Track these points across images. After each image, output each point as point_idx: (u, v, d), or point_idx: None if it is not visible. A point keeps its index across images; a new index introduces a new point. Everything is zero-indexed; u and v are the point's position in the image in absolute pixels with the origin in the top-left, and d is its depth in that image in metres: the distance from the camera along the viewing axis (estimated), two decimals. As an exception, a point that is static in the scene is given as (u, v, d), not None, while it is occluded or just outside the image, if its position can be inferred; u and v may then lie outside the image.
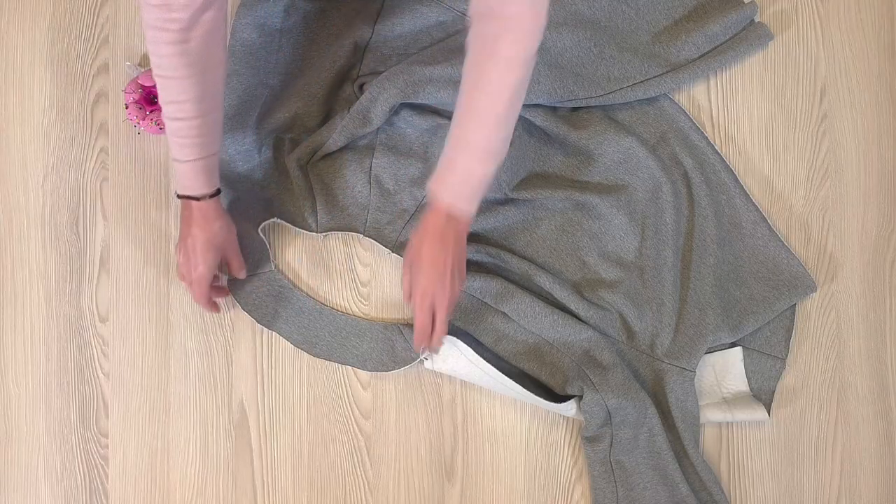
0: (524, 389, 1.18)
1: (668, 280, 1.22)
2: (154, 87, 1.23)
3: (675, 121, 1.26)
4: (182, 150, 1.05)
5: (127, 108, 1.23)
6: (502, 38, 0.93)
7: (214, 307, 1.18)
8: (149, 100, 1.24)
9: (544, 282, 1.21)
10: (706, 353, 1.23)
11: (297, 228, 1.23)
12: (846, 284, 1.26)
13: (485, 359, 1.18)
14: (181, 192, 1.09)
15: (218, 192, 1.11)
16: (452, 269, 1.02)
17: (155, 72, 1.01)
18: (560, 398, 1.20)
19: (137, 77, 1.23)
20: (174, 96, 1.01)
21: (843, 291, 1.26)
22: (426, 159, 1.24)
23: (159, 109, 1.23)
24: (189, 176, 1.07)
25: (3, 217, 1.27)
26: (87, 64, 1.28)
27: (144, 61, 1.28)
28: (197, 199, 1.09)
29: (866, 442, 1.24)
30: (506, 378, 1.17)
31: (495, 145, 0.98)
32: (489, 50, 0.94)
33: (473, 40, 0.96)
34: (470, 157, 0.98)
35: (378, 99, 1.19)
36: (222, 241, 1.13)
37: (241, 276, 1.18)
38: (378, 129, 1.23)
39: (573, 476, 1.23)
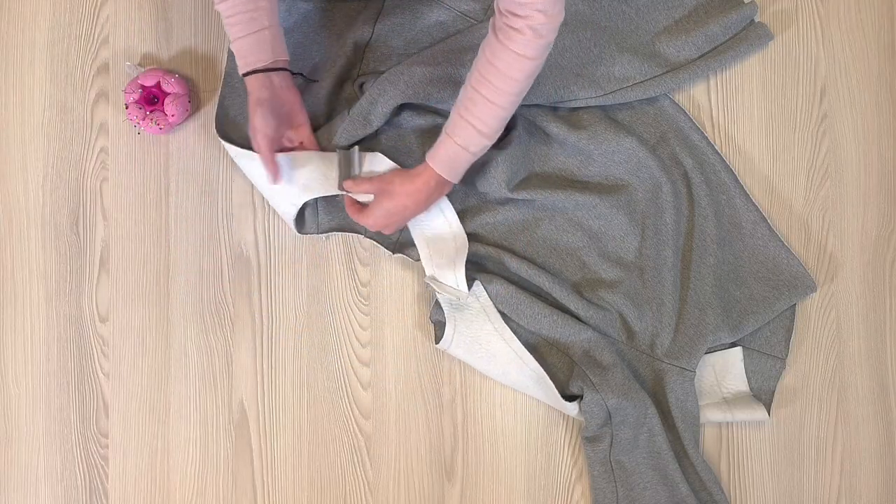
0: (539, 367, 1.18)
1: (668, 280, 1.22)
2: (154, 86, 1.23)
3: (675, 121, 1.26)
4: (233, 28, 1.09)
5: (127, 108, 1.23)
6: (516, 35, 0.98)
7: (273, 168, 1.16)
8: (149, 100, 1.24)
9: (544, 282, 1.21)
10: (706, 353, 1.23)
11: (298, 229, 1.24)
12: (846, 284, 1.26)
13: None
14: (244, 70, 1.11)
15: (285, 68, 1.13)
16: (410, 217, 1.15)
17: None
18: (564, 398, 1.20)
19: (137, 77, 1.23)
20: None
21: (843, 291, 1.26)
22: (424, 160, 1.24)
23: (160, 109, 1.23)
24: (244, 51, 1.10)
25: (3, 217, 1.27)
26: (87, 64, 1.28)
27: (144, 61, 1.28)
28: (259, 70, 1.10)
29: (866, 442, 1.24)
30: (526, 352, 1.18)
31: (492, 129, 1.06)
32: (502, 42, 0.99)
33: (492, 29, 1.02)
34: (466, 136, 1.06)
35: (378, 100, 1.19)
36: (283, 100, 1.14)
37: (303, 132, 1.18)
38: (378, 129, 1.23)
39: (573, 476, 1.23)
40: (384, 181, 1.13)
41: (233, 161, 1.26)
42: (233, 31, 1.10)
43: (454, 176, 1.11)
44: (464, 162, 1.09)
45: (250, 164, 1.20)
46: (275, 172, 1.15)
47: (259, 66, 1.11)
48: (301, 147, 1.19)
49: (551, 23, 0.97)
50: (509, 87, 1.02)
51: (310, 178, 1.19)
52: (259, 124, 1.12)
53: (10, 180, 1.27)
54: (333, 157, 1.20)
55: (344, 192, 1.18)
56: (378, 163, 1.19)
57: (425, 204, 1.13)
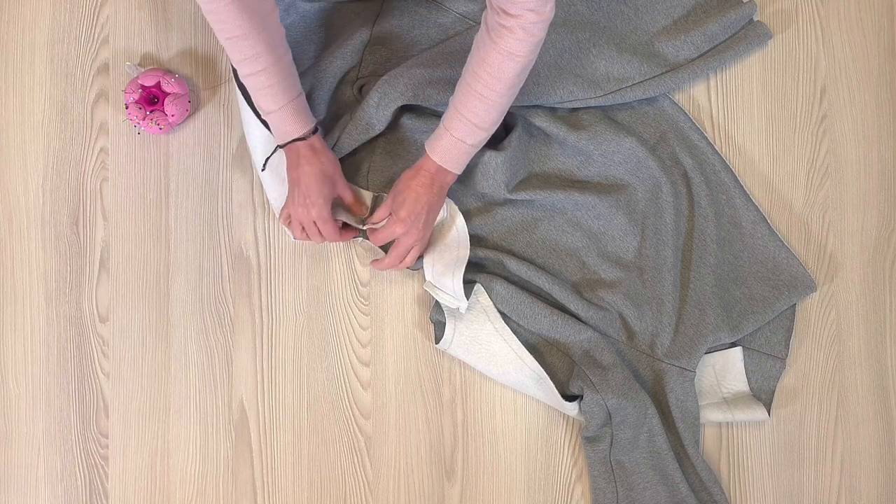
0: (539, 367, 1.18)
1: (667, 280, 1.22)
2: (154, 86, 1.23)
3: (675, 121, 1.26)
4: (272, 99, 1.08)
5: (127, 108, 1.23)
6: (507, 34, 0.98)
7: (347, 236, 1.20)
8: (149, 100, 1.24)
9: (544, 282, 1.21)
10: (706, 353, 1.23)
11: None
12: (846, 284, 1.26)
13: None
14: (283, 141, 1.11)
15: (317, 128, 1.13)
16: (429, 212, 1.14)
17: (222, 37, 1.03)
18: (564, 398, 1.20)
19: (137, 77, 1.23)
20: (248, 52, 1.04)
21: (843, 291, 1.26)
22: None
23: (160, 109, 1.23)
24: (287, 121, 1.09)
25: (3, 217, 1.27)
26: (87, 64, 1.28)
27: (144, 61, 1.28)
28: (302, 139, 1.10)
29: (866, 442, 1.24)
30: (526, 352, 1.19)
31: (488, 122, 1.07)
32: (494, 40, 1.00)
33: (484, 24, 1.02)
34: (462, 129, 1.07)
35: (380, 103, 1.19)
36: (332, 171, 1.14)
37: (361, 209, 1.20)
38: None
39: (573, 476, 1.23)
40: (392, 189, 1.15)
41: (232, 161, 1.27)
42: (269, 103, 1.08)
43: (455, 166, 1.11)
44: (463, 153, 1.10)
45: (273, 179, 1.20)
46: (341, 238, 1.19)
47: (303, 133, 1.10)
48: (346, 209, 1.20)
49: (543, 22, 0.98)
50: (502, 85, 1.03)
51: (335, 212, 1.20)
52: (319, 212, 1.13)
53: (10, 180, 1.27)
54: (366, 198, 1.22)
55: (365, 229, 1.20)
56: None
57: (434, 191, 1.12)
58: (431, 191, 1.12)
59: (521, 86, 1.06)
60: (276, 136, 1.12)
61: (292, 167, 1.13)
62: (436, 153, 1.10)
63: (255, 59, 1.04)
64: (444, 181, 1.13)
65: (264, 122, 1.16)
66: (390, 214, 1.15)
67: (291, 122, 1.09)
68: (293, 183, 1.13)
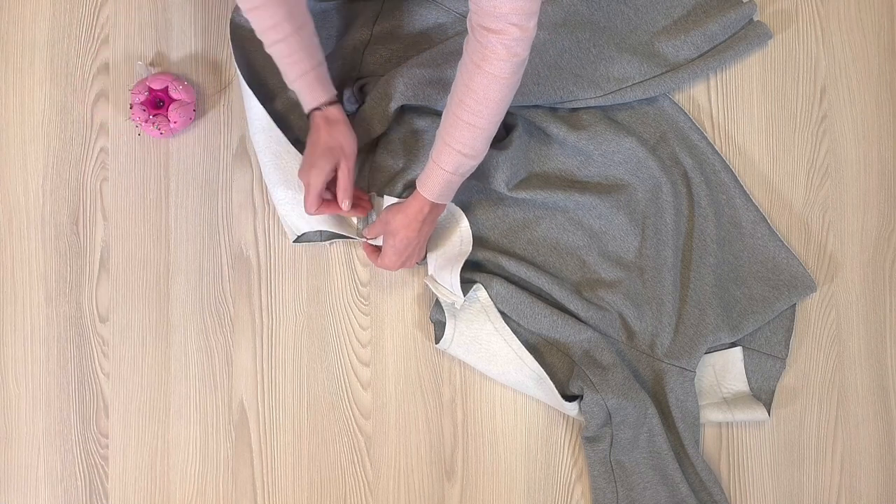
0: (539, 367, 1.18)
1: (668, 280, 1.22)
2: (161, 90, 1.23)
3: (675, 121, 1.26)
4: (293, 67, 1.10)
5: (132, 107, 1.23)
6: (490, 55, 0.98)
7: (324, 209, 1.17)
8: (154, 103, 1.24)
9: (544, 283, 1.21)
10: (706, 353, 1.23)
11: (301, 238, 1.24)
12: (846, 284, 1.26)
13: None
14: (305, 111, 1.14)
15: (338, 100, 1.15)
16: (418, 249, 1.17)
17: (244, 6, 1.05)
18: (564, 398, 1.20)
19: (147, 78, 1.23)
20: (268, 21, 1.06)
21: (843, 291, 1.26)
22: (424, 162, 1.24)
23: (163, 114, 1.23)
24: (304, 91, 1.12)
25: (3, 217, 1.27)
26: (87, 64, 1.28)
27: (156, 61, 1.28)
28: (319, 108, 1.12)
29: (866, 442, 1.24)
30: (526, 352, 1.19)
31: (476, 150, 1.07)
32: (477, 63, 0.99)
33: (466, 50, 1.01)
34: (453, 162, 1.07)
35: (380, 104, 1.20)
36: (340, 146, 1.14)
37: (345, 193, 1.16)
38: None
39: (573, 476, 1.23)
40: (383, 221, 1.15)
41: (233, 161, 1.27)
42: (294, 70, 1.10)
43: (446, 199, 1.12)
44: (454, 185, 1.10)
45: (276, 172, 1.20)
46: (313, 209, 1.15)
47: (319, 104, 1.12)
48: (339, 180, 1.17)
49: (525, 38, 0.97)
50: (488, 110, 1.02)
51: (330, 216, 1.20)
52: (307, 179, 1.12)
53: (10, 180, 1.27)
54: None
55: (361, 239, 1.21)
56: (388, 204, 1.19)
57: (426, 229, 1.14)
58: (422, 230, 1.14)
59: (505, 111, 1.05)
60: (303, 105, 1.14)
61: (310, 134, 1.15)
62: (427, 190, 1.10)
63: (274, 28, 1.06)
64: (436, 213, 1.14)
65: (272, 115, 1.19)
66: (383, 241, 1.16)
67: (308, 92, 1.12)
68: (306, 147, 1.15)
